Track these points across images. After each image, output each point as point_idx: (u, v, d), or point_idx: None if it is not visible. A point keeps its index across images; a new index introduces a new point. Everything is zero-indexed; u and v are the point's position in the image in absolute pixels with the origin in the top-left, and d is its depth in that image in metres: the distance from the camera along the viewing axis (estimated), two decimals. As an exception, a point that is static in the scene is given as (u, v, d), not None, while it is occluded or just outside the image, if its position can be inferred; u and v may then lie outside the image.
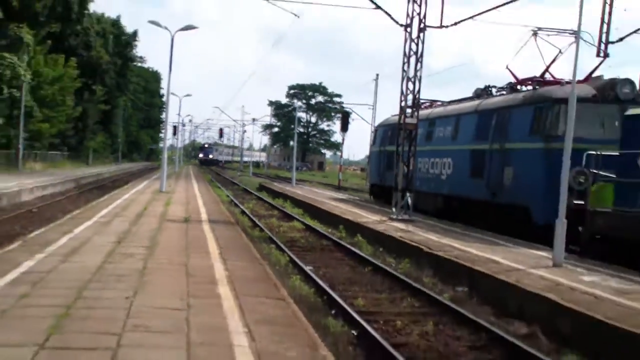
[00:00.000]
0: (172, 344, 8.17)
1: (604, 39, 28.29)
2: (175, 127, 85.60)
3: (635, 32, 28.46)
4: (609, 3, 28.33)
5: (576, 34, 19.58)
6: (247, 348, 8.24)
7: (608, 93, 23.24)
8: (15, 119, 58.17)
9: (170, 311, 9.83)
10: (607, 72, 27.01)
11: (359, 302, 14.49)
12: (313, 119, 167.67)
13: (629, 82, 23.65)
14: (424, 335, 12.19)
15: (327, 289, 15.43)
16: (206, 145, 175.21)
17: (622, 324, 10.92)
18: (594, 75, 25.81)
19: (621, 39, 28.87)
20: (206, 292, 11.52)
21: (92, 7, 77.20)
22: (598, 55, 28.20)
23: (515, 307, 13.85)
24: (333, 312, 13.49)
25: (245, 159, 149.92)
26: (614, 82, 23.58)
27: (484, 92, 31.14)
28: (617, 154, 19.16)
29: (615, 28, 28.38)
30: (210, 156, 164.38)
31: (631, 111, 19.73)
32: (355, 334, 11.99)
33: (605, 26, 28.45)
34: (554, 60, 28.23)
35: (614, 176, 19.22)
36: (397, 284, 16.93)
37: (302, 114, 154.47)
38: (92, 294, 10.69)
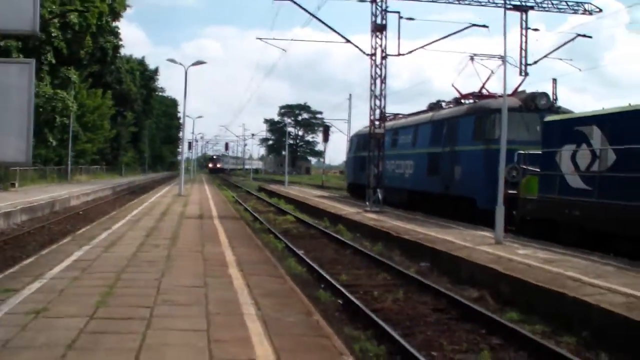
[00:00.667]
0: (195, 314, 8.14)
1: (524, 62, 28.82)
2: (190, 143, 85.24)
3: (545, 57, 29.43)
4: (524, 35, 28.93)
5: (503, 58, 19.85)
6: (254, 315, 8.22)
7: (530, 104, 23.53)
8: (65, 142, 58.52)
9: (192, 288, 9.79)
10: (528, 87, 27.45)
11: (343, 277, 14.43)
12: (300, 132, 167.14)
13: (545, 95, 24.22)
14: (396, 301, 12.15)
15: (317, 267, 15.38)
16: (214, 157, 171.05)
17: (549, 286, 11.08)
18: (518, 90, 26.13)
19: (536, 62, 29.69)
20: (219, 272, 11.48)
21: (123, 51, 77.48)
22: (520, 74, 28.96)
23: (467, 276, 13.86)
24: (322, 286, 13.43)
25: (247, 167, 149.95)
26: (534, 95, 23.93)
27: (435, 106, 31.23)
28: (540, 152, 19.32)
29: (531, 54, 28.96)
30: (218, 165, 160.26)
31: (548, 118, 20.19)
32: (341, 302, 11.95)
33: (523, 52, 29.01)
34: (487, 79, 28.58)
35: (538, 170, 19.39)
36: (373, 262, 16.88)
37: (291, 129, 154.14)
38: (129, 276, 10.67)
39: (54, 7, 47.56)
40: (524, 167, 20.02)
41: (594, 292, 10.39)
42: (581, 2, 29.17)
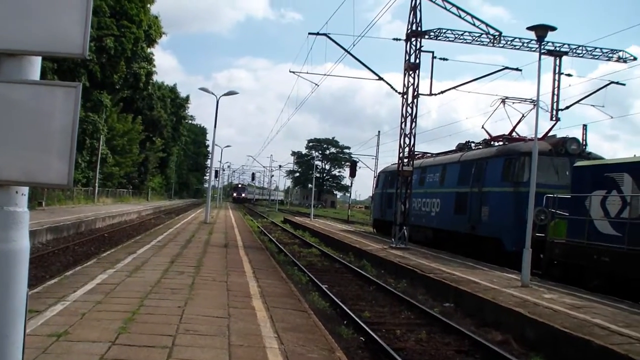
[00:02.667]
0: (217, 345, 8.06)
1: (555, 107, 28.76)
2: (217, 172, 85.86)
3: (576, 102, 29.41)
4: (557, 79, 28.90)
5: (535, 102, 19.86)
6: (277, 350, 8.14)
7: (560, 148, 23.52)
8: (93, 163, 59.22)
9: (214, 319, 9.72)
10: (559, 132, 27.38)
11: (366, 314, 14.33)
12: (327, 166, 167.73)
13: (576, 140, 24.22)
14: (419, 341, 12.04)
15: (340, 303, 15.28)
16: (240, 186, 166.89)
17: (576, 332, 10.92)
18: (549, 134, 26.04)
19: (567, 107, 29.62)
20: (243, 304, 11.40)
21: (155, 78, 78.52)
22: (551, 119, 28.95)
23: (492, 319, 13.69)
24: (345, 322, 13.33)
25: (272, 197, 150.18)
26: (564, 140, 23.93)
27: (464, 146, 31.25)
28: (569, 196, 19.23)
29: (563, 99, 28.98)
30: (243, 195, 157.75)
31: (578, 163, 20.22)
32: (363, 339, 11.84)
33: (555, 97, 29.00)
34: (518, 122, 28.60)
35: (567, 214, 19.27)
36: (397, 299, 16.76)
37: (318, 162, 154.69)
38: (152, 303, 10.62)
39: (90, 30, 48.42)
40: (553, 210, 19.89)
41: (622, 342, 10.20)
42: (615, 50, 29.11)
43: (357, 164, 69.22)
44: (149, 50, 65.54)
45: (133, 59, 59.86)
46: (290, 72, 33.43)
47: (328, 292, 17.09)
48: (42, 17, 3.07)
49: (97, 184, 60.00)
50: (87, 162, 58.44)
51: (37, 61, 3.19)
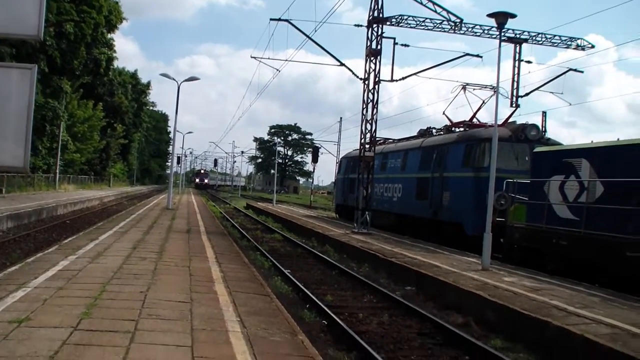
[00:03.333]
0: (179, 329, 8.04)
1: (515, 94, 29.06)
2: (179, 158, 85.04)
3: (536, 89, 29.78)
4: (517, 66, 29.17)
5: (495, 89, 19.99)
6: (239, 333, 8.14)
7: (520, 134, 23.74)
8: (54, 150, 58.44)
9: (177, 303, 9.69)
10: (518, 118, 27.69)
11: (328, 298, 14.41)
12: (289, 152, 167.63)
13: (535, 126, 24.42)
14: (381, 324, 12.15)
15: (303, 287, 15.32)
16: (202, 171, 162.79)
17: (534, 314, 11.10)
18: (509, 121, 26.28)
19: (527, 94, 29.96)
20: (205, 288, 11.38)
21: (116, 64, 77.63)
22: (511, 105, 29.22)
23: (453, 302, 13.84)
24: (307, 306, 13.36)
25: (235, 183, 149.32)
26: (524, 126, 24.12)
27: (426, 132, 31.39)
28: (529, 181, 19.45)
29: (522, 86, 29.26)
30: (206, 181, 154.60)
31: (538, 149, 20.41)
32: (325, 323, 11.89)
33: (515, 84, 29.28)
34: (479, 109, 28.70)
35: (526, 199, 19.49)
36: (359, 284, 16.85)
37: (280, 148, 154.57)
38: (114, 289, 10.54)
39: (50, 15, 47.56)
40: (512, 195, 20.13)
41: (579, 322, 10.39)
42: (574, 38, 29.43)
43: (320, 150, 69.21)
44: (109, 35, 64.76)
45: (93, 45, 59.06)
46: (252, 57, 33.20)
47: (291, 276, 17.12)
48: (-3, -3, 3.01)
49: (58, 171, 59.20)
50: (48, 149, 57.60)
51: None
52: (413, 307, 13.38)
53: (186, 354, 6.99)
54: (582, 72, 30.30)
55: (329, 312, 12.43)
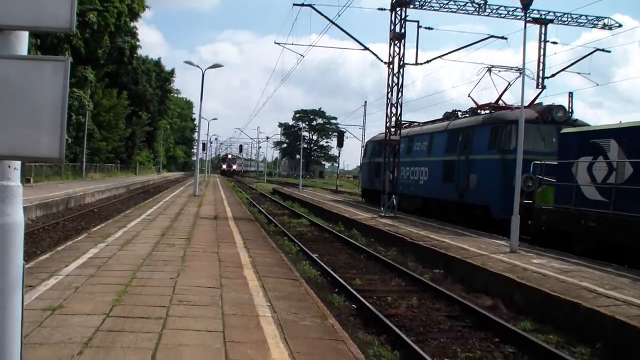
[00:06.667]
0: (210, 315, 8.11)
1: (541, 75, 28.75)
2: (204, 144, 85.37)
3: (562, 70, 29.40)
4: (542, 48, 28.87)
5: (521, 70, 19.83)
6: (270, 318, 8.20)
7: (547, 116, 23.54)
8: (80, 139, 59.00)
9: (207, 289, 9.77)
10: (545, 100, 27.43)
11: (357, 282, 14.44)
12: (314, 137, 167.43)
13: (562, 107, 24.19)
14: (410, 308, 12.17)
15: (331, 271, 15.38)
16: (229, 156, 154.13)
17: (564, 295, 11.04)
18: (535, 102, 26.06)
19: (553, 75, 29.68)
20: (235, 274, 11.45)
21: (140, 52, 77.92)
22: (537, 87, 28.89)
23: (482, 284, 13.83)
24: (336, 290, 13.42)
25: (260, 169, 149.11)
26: (550, 108, 23.93)
27: (451, 115, 31.24)
28: (556, 163, 19.31)
29: (548, 67, 28.95)
30: (234, 167, 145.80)
31: (565, 130, 20.25)
32: (355, 307, 11.94)
33: (541, 65, 28.97)
34: (505, 91, 28.50)
35: (554, 181, 19.37)
36: (387, 267, 16.89)
37: (305, 133, 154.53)
38: (144, 275, 10.65)
39: (75, 5, 47.90)
40: (540, 177, 20.00)
41: (609, 304, 10.34)
42: (600, 17, 29.08)
43: (345, 134, 69.13)
44: (132, 24, 65.02)
45: (117, 33, 59.36)
46: (276, 43, 33.36)
47: (319, 260, 17.19)
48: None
49: (84, 160, 59.74)
50: (74, 138, 58.16)
51: (25, 36, 3.18)
52: (441, 290, 13.38)
53: (218, 338, 7.06)
54: (609, 52, 29.87)
55: (358, 296, 12.48)
